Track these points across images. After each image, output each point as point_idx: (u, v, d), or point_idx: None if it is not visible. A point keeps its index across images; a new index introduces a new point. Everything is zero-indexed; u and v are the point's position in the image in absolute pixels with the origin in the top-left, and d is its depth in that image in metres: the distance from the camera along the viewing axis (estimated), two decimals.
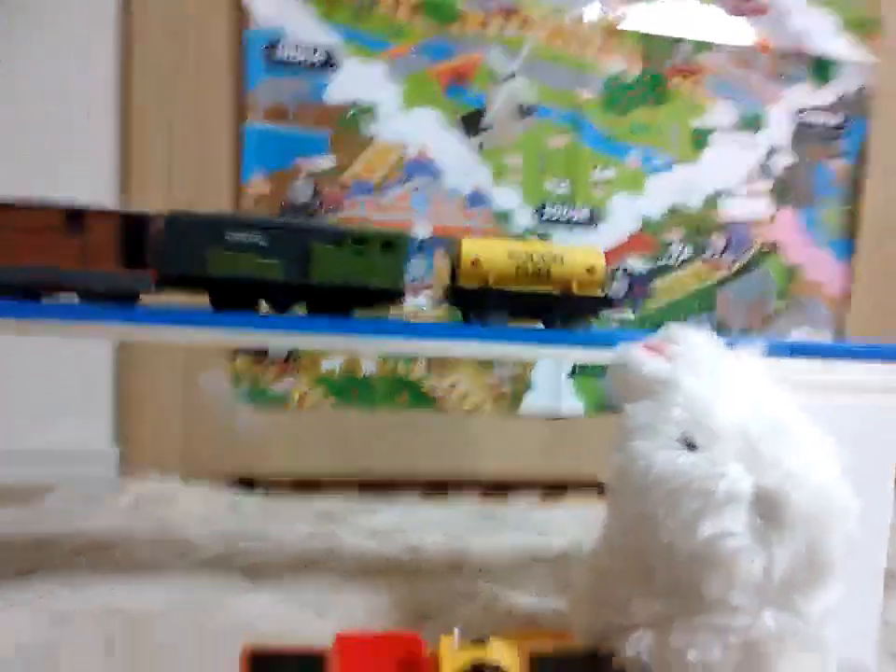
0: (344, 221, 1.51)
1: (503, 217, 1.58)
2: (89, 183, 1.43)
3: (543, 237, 1.59)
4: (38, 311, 0.82)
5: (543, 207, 1.59)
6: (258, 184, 1.48)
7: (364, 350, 0.91)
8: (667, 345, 0.74)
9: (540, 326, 0.97)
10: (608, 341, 0.87)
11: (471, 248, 0.94)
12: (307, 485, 1.47)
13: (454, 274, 0.96)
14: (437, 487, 1.52)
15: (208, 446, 1.48)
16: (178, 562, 1.08)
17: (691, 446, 0.64)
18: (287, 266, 0.89)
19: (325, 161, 1.50)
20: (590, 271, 0.95)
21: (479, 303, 0.93)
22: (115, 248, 0.84)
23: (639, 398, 0.71)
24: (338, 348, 0.91)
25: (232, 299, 0.89)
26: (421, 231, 1.55)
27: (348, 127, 1.51)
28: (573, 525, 1.35)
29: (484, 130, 1.56)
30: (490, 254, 0.93)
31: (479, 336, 0.92)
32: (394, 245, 0.92)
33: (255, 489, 1.46)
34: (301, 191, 1.50)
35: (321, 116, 1.49)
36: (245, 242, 0.88)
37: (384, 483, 1.50)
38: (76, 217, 0.82)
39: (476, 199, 1.56)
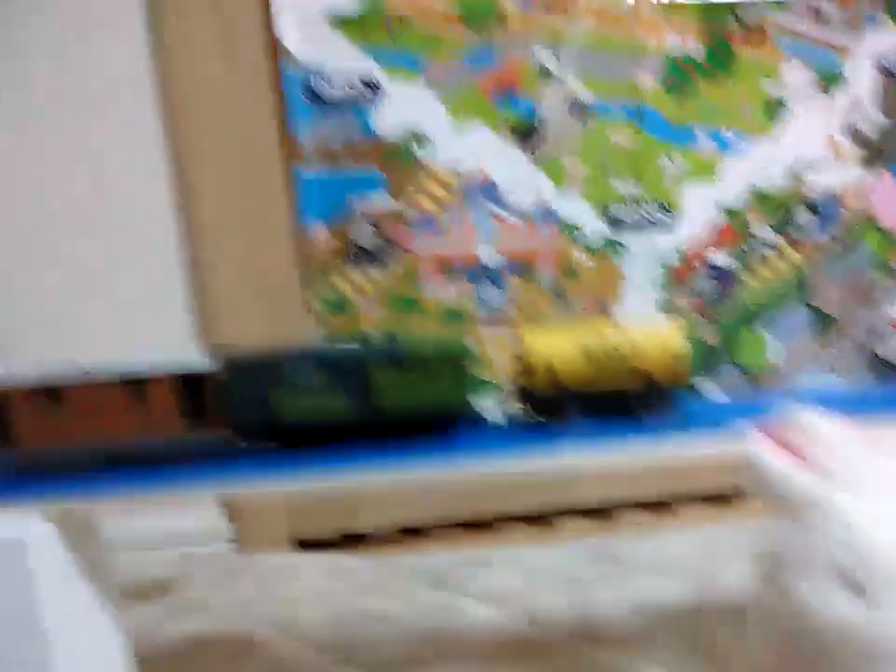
0: (413, 261, 1.46)
1: (571, 228, 1.50)
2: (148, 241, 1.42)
3: (616, 245, 1.51)
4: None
5: (612, 211, 1.50)
6: (318, 233, 1.44)
7: (437, 476, 0.86)
8: (798, 436, 0.68)
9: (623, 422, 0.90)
10: (713, 420, 0.81)
11: (540, 348, 0.87)
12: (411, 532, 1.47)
13: (521, 372, 0.90)
14: (539, 519, 1.50)
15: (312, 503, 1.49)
16: (305, 655, 1.09)
17: (855, 589, 0.58)
18: (349, 399, 0.85)
19: (382, 199, 1.44)
20: (673, 357, 0.88)
21: (555, 408, 0.88)
22: (176, 410, 0.82)
23: (781, 514, 0.65)
24: (411, 479, 0.86)
25: (300, 441, 0.85)
26: (489, 257, 1.48)
27: (400, 158, 1.44)
28: (693, 554, 1.31)
29: (538, 137, 1.47)
30: (561, 353, 0.87)
31: (566, 444, 0.86)
32: (456, 359, 0.86)
33: (362, 542, 1.46)
34: (363, 235, 1.45)
35: (371, 151, 1.43)
36: (304, 379, 0.84)
37: (486, 523, 1.48)
38: (134, 386, 0.81)
39: (540, 213, 1.49)
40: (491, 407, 0.92)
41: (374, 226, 1.45)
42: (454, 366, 0.86)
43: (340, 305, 1.46)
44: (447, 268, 1.48)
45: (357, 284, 1.46)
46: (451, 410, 0.87)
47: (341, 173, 1.43)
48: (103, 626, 0.86)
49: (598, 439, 0.86)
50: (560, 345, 0.87)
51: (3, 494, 0.76)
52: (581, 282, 1.51)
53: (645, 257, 1.52)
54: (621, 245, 1.51)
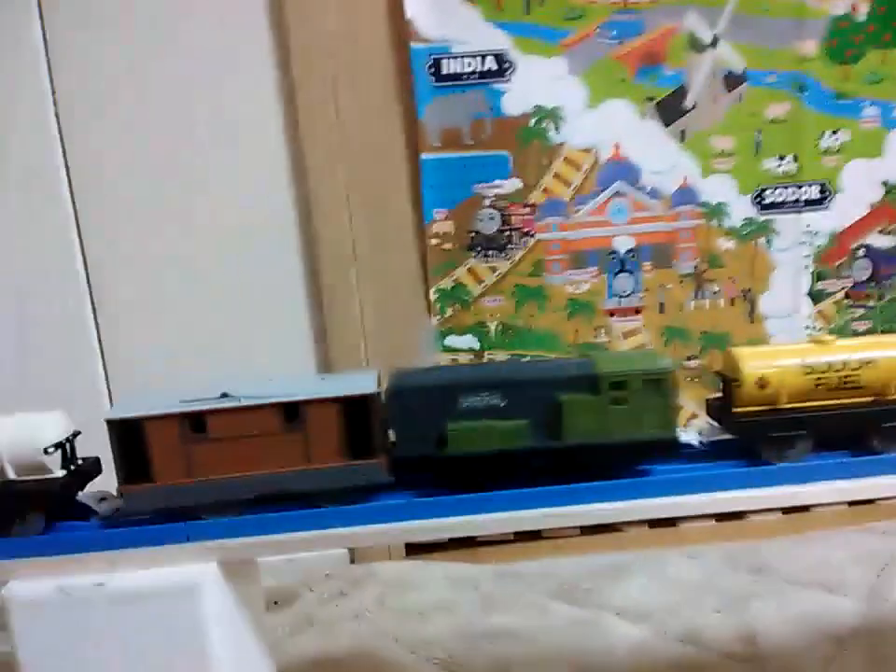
0: (539, 248, 1.36)
1: (715, 212, 1.36)
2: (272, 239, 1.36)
3: (765, 228, 1.37)
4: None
5: (763, 192, 1.36)
6: (441, 220, 1.35)
7: (632, 513, 0.77)
8: None
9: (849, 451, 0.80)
10: None
11: (754, 363, 0.77)
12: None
13: (728, 396, 0.80)
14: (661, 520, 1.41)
15: None
16: None
17: None
18: (534, 428, 0.76)
19: (509, 184, 1.34)
20: None
21: (769, 432, 0.77)
22: (338, 439, 0.73)
23: None
24: (606, 517, 0.77)
25: (472, 475, 0.76)
26: (623, 243, 1.37)
27: (531, 139, 1.33)
28: (845, 562, 1.21)
29: (685, 113, 1.34)
30: (778, 368, 0.77)
31: (786, 480, 0.76)
32: (660, 383, 0.76)
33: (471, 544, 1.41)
34: (487, 222, 1.36)
35: (500, 132, 1.32)
36: (481, 406, 0.75)
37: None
38: (293, 411, 0.73)
39: (682, 196, 1.36)
40: (690, 436, 0.83)
41: (500, 212, 1.35)
42: (656, 387, 0.76)
43: (459, 296, 1.38)
44: (576, 255, 1.37)
45: (479, 273, 1.38)
46: (654, 442, 0.76)
47: (467, 156, 1.33)
48: (259, 661, 0.83)
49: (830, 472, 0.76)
50: (774, 358, 0.77)
51: (144, 535, 0.73)
52: (724, 268, 1.38)
53: (796, 241, 1.38)
54: (770, 228, 1.37)
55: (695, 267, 1.38)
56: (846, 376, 0.77)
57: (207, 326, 1.34)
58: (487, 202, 1.35)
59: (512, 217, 1.36)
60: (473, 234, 1.36)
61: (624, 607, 1.19)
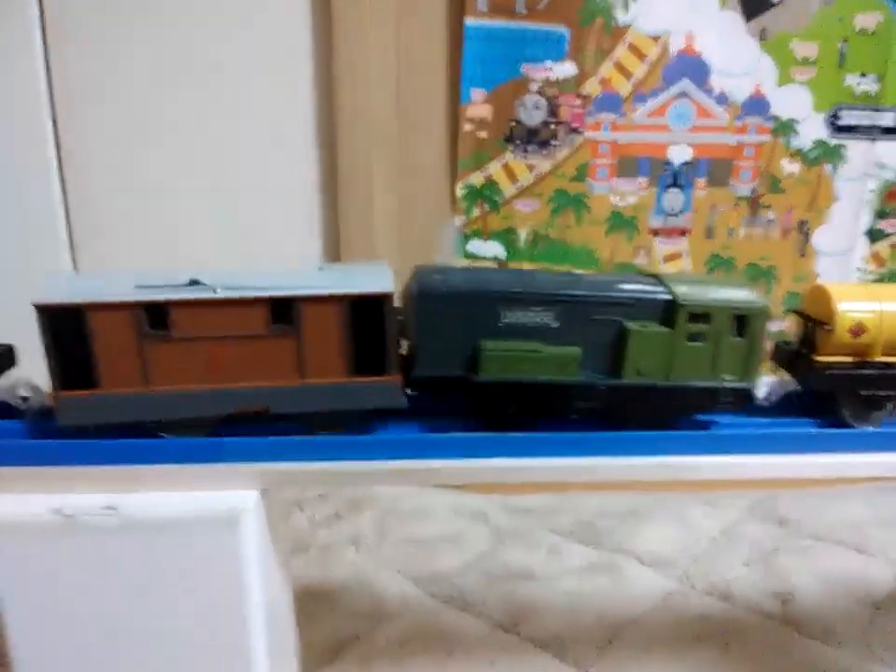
0: (587, 149, 1.19)
1: (784, 128, 1.21)
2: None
3: (835, 154, 1.23)
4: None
5: (839, 112, 1.22)
6: (478, 103, 1.16)
7: (689, 471, 0.63)
8: None
9: None
10: None
11: (849, 304, 0.63)
12: None
13: (809, 342, 0.67)
14: None
15: None
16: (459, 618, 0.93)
17: None
18: (590, 358, 0.61)
19: (562, 68, 1.15)
20: None
21: (857, 389, 0.64)
22: (340, 348, 0.56)
23: None
24: (663, 478, 0.63)
25: (507, 409, 0.61)
26: (679, 153, 1.21)
27: (595, 15, 1.14)
28: (873, 522, 1.15)
29: (771, 6, 1.16)
30: (879, 313, 0.63)
31: (873, 447, 0.64)
32: (749, 321, 0.62)
33: None
34: (532, 111, 1.17)
35: (559, 3, 1.12)
36: (528, 323, 0.60)
37: None
38: (283, 309, 0.55)
39: (752, 105, 1.20)
40: (766, 389, 0.70)
41: (547, 100, 1.17)
42: (743, 326, 0.62)
43: (489, 195, 1.21)
44: (626, 161, 1.21)
45: (514, 170, 1.20)
46: (731, 390, 0.63)
47: (517, 27, 1.13)
48: (283, 586, 0.68)
49: None
50: (873, 299, 0.64)
51: (167, 448, 0.56)
52: (783, 195, 1.25)
53: (864, 172, 1.25)
54: (840, 155, 1.23)
55: (753, 190, 1.24)
56: None
57: (206, 207, 1.13)
58: (534, 86, 1.16)
59: (561, 109, 1.17)
60: (514, 124, 1.18)
61: (646, 554, 1.10)
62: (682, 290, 0.62)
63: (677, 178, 1.22)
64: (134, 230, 1.14)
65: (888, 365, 0.64)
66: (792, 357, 0.69)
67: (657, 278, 0.65)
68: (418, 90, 1.15)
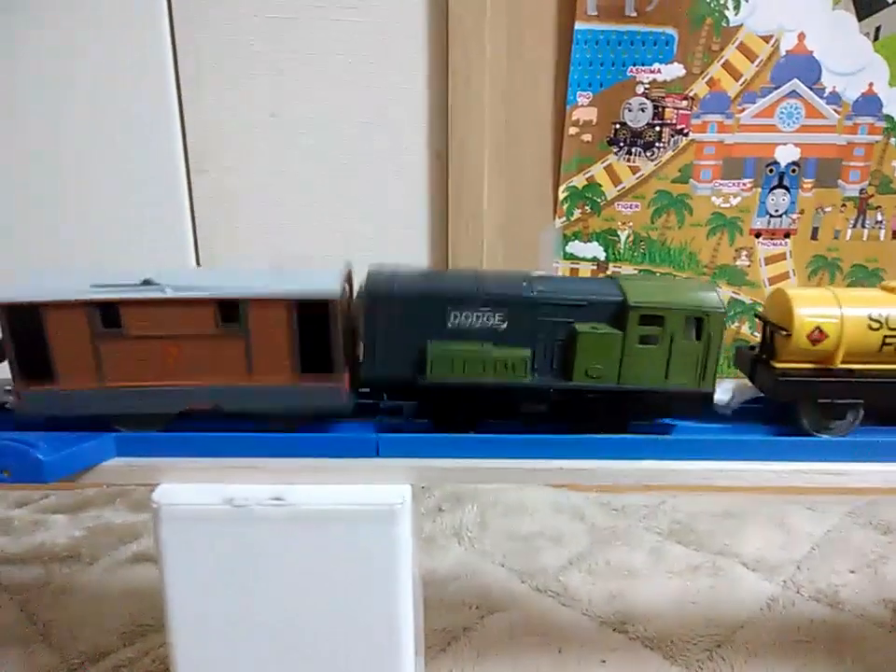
0: (691, 150, 1.19)
1: None
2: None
3: None
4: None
5: None
6: (584, 106, 1.17)
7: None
8: None
9: None
10: None
11: (809, 309, 0.61)
12: None
13: (769, 347, 0.64)
14: None
15: None
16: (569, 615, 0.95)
17: None
18: (540, 361, 0.60)
19: (669, 69, 1.15)
20: None
21: (816, 397, 0.62)
22: (287, 350, 0.57)
23: None
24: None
25: (456, 411, 0.60)
26: (786, 154, 1.20)
27: (704, 17, 1.13)
28: None
29: (886, 6, 1.14)
30: (839, 318, 0.60)
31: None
32: (705, 323, 0.59)
33: None
34: (637, 113, 1.17)
35: (669, 5, 1.12)
36: (476, 326, 0.59)
37: None
38: (231, 310, 0.56)
39: (864, 105, 1.18)
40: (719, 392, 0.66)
41: (653, 102, 1.17)
42: (699, 329, 0.59)
43: (591, 197, 1.22)
44: (731, 162, 1.20)
45: (617, 172, 1.21)
46: (686, 394, 0.61)
47: (626, 30, 1.13)
48: (417, 579, 0.71)
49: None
50: (833, 304, 0.61)
51: (325, 443, 0.59)
52: (893, 196, 1.22)
53: None
54: None
55: (862, 191, 1.21)
56: None
57: (320, 209, 1.18)
58: (641, 89, 1.16)
59: (667, 111, 1.17)
60: (618, 126, 1.18)
61: (748, 557, 1.10)
62: (635, 292, 0.60)
63: (782, 179, 1.21)
64: (252, 228, 1.19)
65: (849, 372, 0.62)
66: (754, 362, 0.66)
67: (614, 280, 0.63)
68: (526, 95, 1.17)
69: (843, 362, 0.61)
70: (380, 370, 0.59)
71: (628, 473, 0.60)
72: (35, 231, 1.18)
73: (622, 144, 1.19)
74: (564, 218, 1.23)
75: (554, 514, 1.20)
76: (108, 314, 0.55)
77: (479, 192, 1.18)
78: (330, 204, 1.18)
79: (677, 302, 0.59)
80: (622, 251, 1.24)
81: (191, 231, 1.18)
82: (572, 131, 1.18)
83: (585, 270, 1.25)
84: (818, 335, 0.60)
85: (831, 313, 0.60)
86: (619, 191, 1.22)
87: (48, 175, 1.16)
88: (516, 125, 1.17)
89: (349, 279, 0.61)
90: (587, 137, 1.19)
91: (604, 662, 0.88)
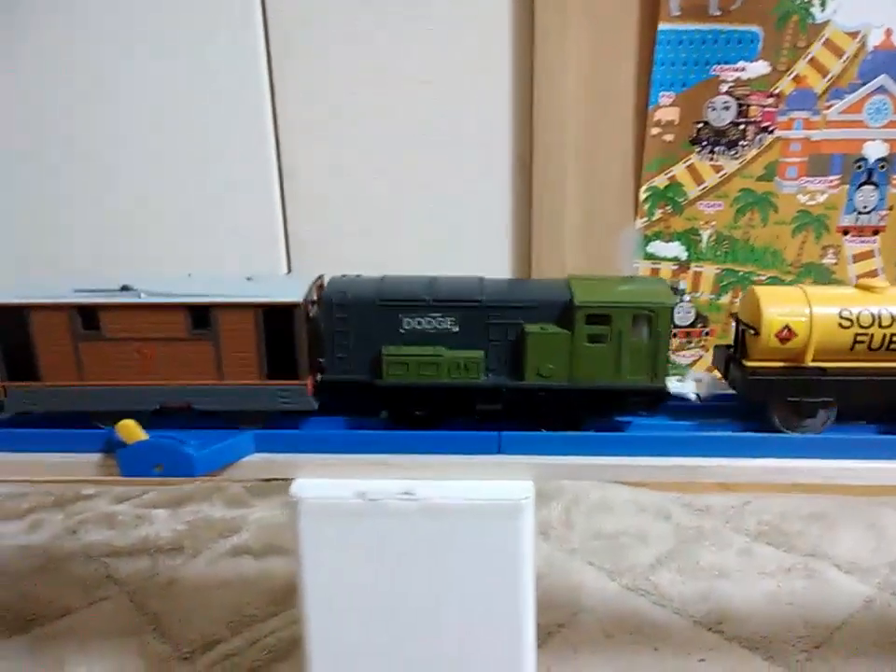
0: (777, 148, 1.18)
1: None
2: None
3: None
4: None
5: None
6: (666, 106, 1.17)
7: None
8: None
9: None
10: None
11: (778, 308, 0.61)
12: None
13: (740, 345, 0.65)
14: None
15: None
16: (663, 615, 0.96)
17: None
18: (494, 362, 0.62)
19: (754, 67, 1.15)
20: None
21: (786, 395, 0.62)
22: (255, 353, 0.61)
23: None
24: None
25: (417, 410, 0.63)
26: (875, 150, 1.18)
27: (790, 15, 1.12)
28: None
29: None
30: (808, 317, 0.61)
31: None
32: (651, 320, 0.61)
33: None
34: (721, 112, 1.17)
35: (753, 4, 1.11)
36: (429, 329, 0.62)
37: None
38: (201, 315, 0.60)
39: None
40: (686, 388, 0.67)
41: (737, 100, 1.17)
42: (646, 325, 0.61)
43: (672, 196, 1.22)
44: (817, 159, 1.19)
45: (700, 171, 1.21)
46: (637, 391, 0.62)
47: (710, 29, 1.13)
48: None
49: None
50: (804, 303, 0.61)
51: (449, 440, 0.61)
52: None
53: None
54: None
55: None
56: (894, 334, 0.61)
57: (406, 214, 1.21)
58: (725, 87, 1.16)
59: (751, 108, 1.17)
60: (701, 125, 1.18)
61: (841, 558, 1.08)
62: (582, 292, 0.61)
63: (871, 175, 1.19)
64: (343, 231, 1.23)
65: (820, 371, 0.61)
66: (728, 361, 0.67)
67: (565, 281, 0.64)
68: (608, 97, 1.18)
69: (814, 360, 0.61)
70: (339, 373, 0.63)
71: (774, 472, 0.61)
72: (124, 235, 1.23)
73: (704, 143, 1.19)
74: (645, 219, 1.23)
75: (638, 513, 1.20)
76: (88, 316, 0.61)
77: (561, 195, 1.19)
78: (415, 209, 1.21)
79: (623, 300, 0.61)
80: (704, 251, 1.24)
81: (283, 236, 1.22)
82: (654, 131, 1.18)
83: (666, 270, 1.26)
84: (786, 334, 0.61)
85: (799, 311, 0.61)
86: (701, 191, 1.21)
87: (142, 180, 1.21)
88: (598, 127, 1.18)
89: (321, 288, 0.66)
90: (669, 137, 1.19)
91: (703, 661, 0.89)
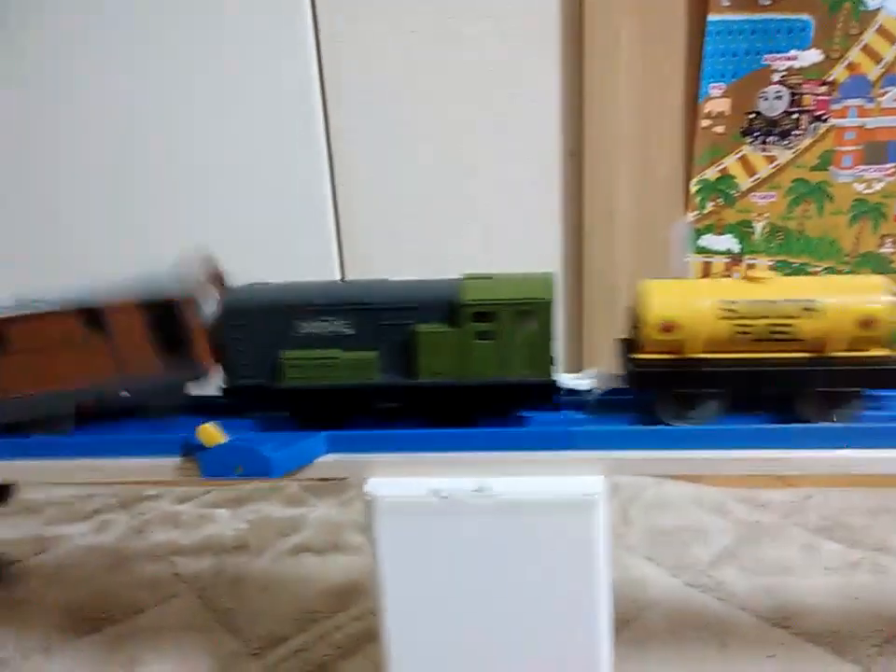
0: (831, 137, 1.16)
1: None
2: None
3: None
4: None
5: None
6: (716, 97, 1.16)
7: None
8: None
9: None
10: None
11: (661, 300, 0.61)
12: None
13: (631, 340, 0.65)
14: None
15: None
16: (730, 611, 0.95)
17: None
18: (390, 361, 0.64)
19: (807, 56, 1.13)
20: (865, 324, 0.59)
21: (669, 387, 0.62)
22: (148, 346, 0.66)
23: None
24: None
25: (318, 410, 0.65)
26: None
27: (842, 3, 1.11)
28: None
29: None
30: (690, 309, 0.60)
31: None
32: (534, 315, 0.61)
33: None
34: (773, 101, 1.16)
35: None
36: (325, 333, 0.63)
37: None
38: (93, 318, 0.65)
39: None
40: (583, 382, 0.68)
41: (790, 89, 1.15)
42: (530, 320, 0.62)
43: (724, 189, 1.21)
44: (873, 147, 1.17)
45: (752, 163, 1.19)
46: (525, 385, 0.63)
47: (760, 18, 1.12)
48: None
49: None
50: (693, 296, 0.61)
51: (520, 438, 0.62)
52: None
53: None
54: None
55: None
56: (776, 325, 0.60)
57: (456, 212, 1.22)
58: (777, 76, 1.14)
59: (804, 97, 1.15)
60: (753, 116, 1.17)
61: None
62: (469, 291, 0.62)
63: None
64: (393, 228, 1.24)
65: (703, 362, 0.61)
66: (620, 353, 0.67)
67: (458, 280, 0.65)
68: (658, 90, 1.17)
69: (703, 352, 0.62)
70: (239, 378, 0.66)
71: (833, 462, 0.61)
72: (175, 238, 1.26)
73: (756, 133, 1.18)
74: (696, 212, 1.22)
75: (696, 509, 1.19)
76: None
77: (611, 189, 1.19)
78: (466, 205, 1.22)
79: (506, 297, 0.62)
80: (757, 242, 1.23)
81: (335, 236, 1.24)
82: (704, 123, 1.18)
83: (719, 263, 1.24)
84: (668, 326, 0.61)
85: (680, 303, 0.61)
86: (753, 182, 1.20)
87: (194, 184, 1.24)
88: (648, 120, 1.18)
89: (215, 272, 0.69)
90: (720, 129, 1.18)
91: (772, 656, 0.88)
